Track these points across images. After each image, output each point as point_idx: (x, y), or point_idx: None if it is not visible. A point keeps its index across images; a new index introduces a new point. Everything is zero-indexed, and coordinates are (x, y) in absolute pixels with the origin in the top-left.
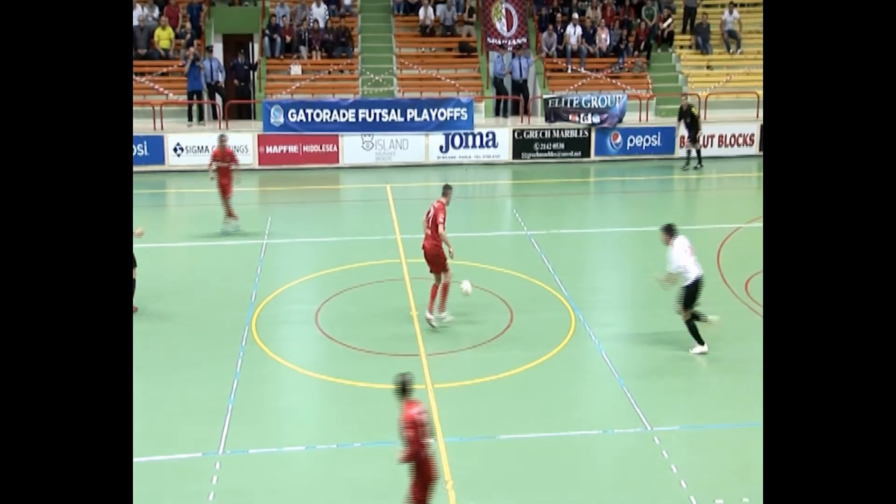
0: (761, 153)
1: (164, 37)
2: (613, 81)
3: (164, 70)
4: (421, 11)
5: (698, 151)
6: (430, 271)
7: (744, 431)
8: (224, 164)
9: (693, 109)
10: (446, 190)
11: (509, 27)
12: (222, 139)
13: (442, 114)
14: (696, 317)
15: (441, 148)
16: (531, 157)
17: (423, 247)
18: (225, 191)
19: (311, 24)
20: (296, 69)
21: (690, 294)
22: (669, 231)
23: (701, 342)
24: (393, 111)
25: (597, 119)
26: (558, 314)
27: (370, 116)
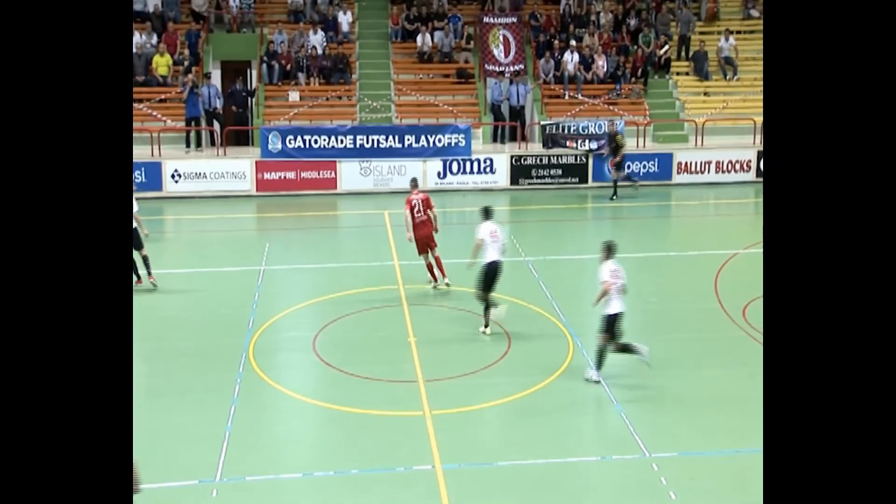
0: (759, 179)
1: (162, 63)
2: (611, 108)
3: (163, 97)
4: (419, 38)
5: (615, 181)
6: (429, 249)
7: (743, 458)
8: None
9: (618, 137)
10: (417, 182)
11: (507, 54)
12: None
13: (440, 140)
14: (489, 302)
15: (439, 174)
16: (529, 184)
17: (422, 233)
18: None
19: (310, 51)
20: (294, 95)
21: (484, 276)
22: (484, 213)
23: (486, 324)
24: (391, 137)
25: (594, 145)
26: (556, 340)
27: (368, 142)
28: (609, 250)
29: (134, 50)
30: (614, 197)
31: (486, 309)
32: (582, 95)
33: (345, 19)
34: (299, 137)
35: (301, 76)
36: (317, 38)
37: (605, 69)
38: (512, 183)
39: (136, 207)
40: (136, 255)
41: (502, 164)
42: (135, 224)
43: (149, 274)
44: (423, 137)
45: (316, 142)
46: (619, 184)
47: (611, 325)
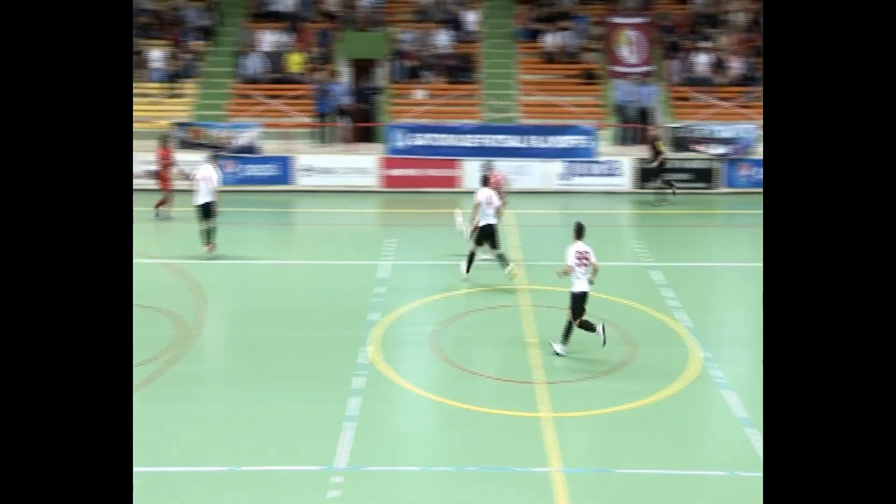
0: None
1: (295, 61)
2: (744, 112)
3: (295, 93)
4: (544, 38)
5: (661, 185)
6: None
7: None
8: (167, 162)
9: (657, 143)
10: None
11: (634, 54)
12: (165, 139)
13: (564, 141)
14: (472, 258)
15: (562, 176)
16: (654, 188)
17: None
18: (167, 184)
19: (436, 50)
20: (419, 94)
21: (482, 233)
22: (483, 180)
23: (467, 270)
24: (514, 137)
25: (724, 150)
26: (681, 349)
27: (491, 142)
28: (579, 231)
29: (269, 48)
30: (656, 203)
31: (470, 258)
32: (713, 98)
33: (471, 18)
34: (424, 135)
35: (427, 74)
36: (443, 37)
37: (738, 71)
38: (636, 186)
39: (216, 182)
40: (206, 223)
41: (627, 166)
42: (214, 198)
43: (208, 243)
44: (546, 138)
45: (440, 140)
46: (659, 189)
47: (576, 303)
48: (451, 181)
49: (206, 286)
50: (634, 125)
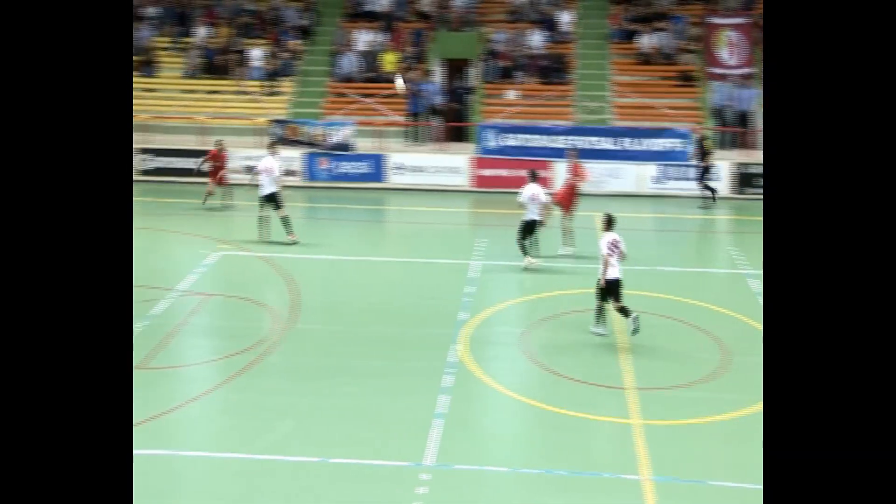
0: None
1: (389, 60)
2: None
3: (389, 92)
4: (640, 39)
5: (707, 188)
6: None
7: None
8: (218, 164)
9: (706, 143)
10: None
11: (734, 56)
12: (219, 143)
13: (658, 144)
14: (524, 248)
15: (656, 179)
16: (754, 193)
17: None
18: (221, 181)
19: (528, 50)
20: (511, 94)
21: (525, 227)
22: (532, 175)
23: (525, 255)
24: (607, 139)
25: None
26: None
27: (583, 143)
28: (608, 222)
29: (364, 47)
30: (702, 206)
31: (524, 250)
32: None
33: (565, 19)
34: (515, 136)
35: (519, 75)
36: (536, 37)
37: None
38: (735, 191)
39: (277, 172)
40: (276, 214)
41: (725, 171)
42: (277, 188)
43: (289, 233)
44: (640, 141)
45: (531, 140)
46: (704, 193)
47: (613, 289)
48: (542, 182)
49: (300, 280)
50: (733, 129)
